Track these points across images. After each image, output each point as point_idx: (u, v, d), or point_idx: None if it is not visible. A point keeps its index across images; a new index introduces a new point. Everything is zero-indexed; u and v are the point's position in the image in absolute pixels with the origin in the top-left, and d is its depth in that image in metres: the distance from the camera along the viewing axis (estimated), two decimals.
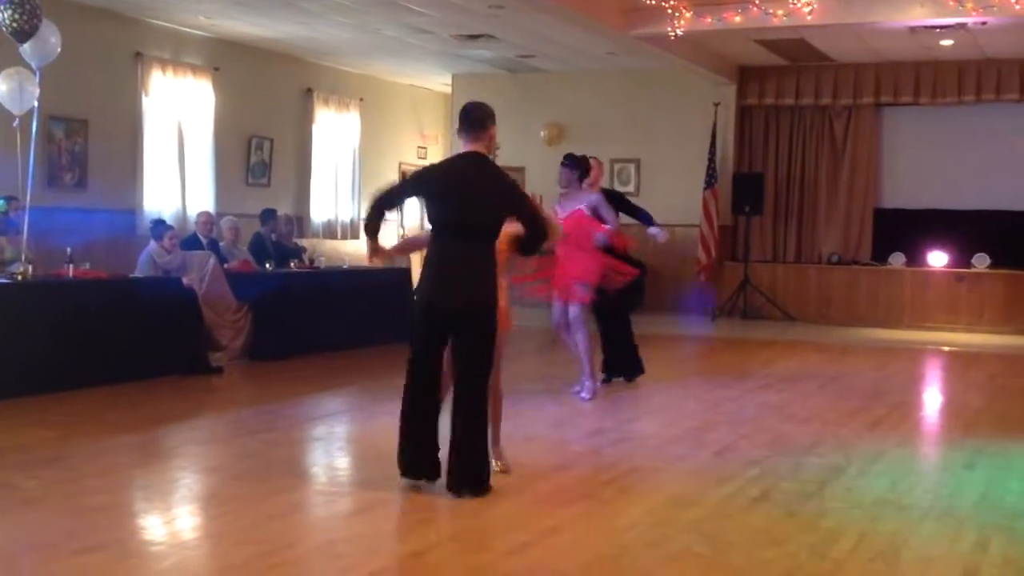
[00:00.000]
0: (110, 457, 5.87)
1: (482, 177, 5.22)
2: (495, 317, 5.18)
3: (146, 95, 12.96)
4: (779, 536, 4.63)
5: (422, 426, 5.20)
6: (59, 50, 8.32)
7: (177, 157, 13.39)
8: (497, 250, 5.26)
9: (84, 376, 7.88)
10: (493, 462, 5.39)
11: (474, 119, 5.33)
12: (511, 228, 5.31)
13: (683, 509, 5.04)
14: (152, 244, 9.85)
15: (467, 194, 5.17)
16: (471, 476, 5.12)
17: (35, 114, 8.49)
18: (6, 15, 7.79)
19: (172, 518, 4.93)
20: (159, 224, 10.34)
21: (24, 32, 7.88)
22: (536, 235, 5.27)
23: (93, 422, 6.85)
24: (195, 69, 13.63)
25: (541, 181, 17.21)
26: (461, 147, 5.37)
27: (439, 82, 17.62)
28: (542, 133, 16.35)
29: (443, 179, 5.31)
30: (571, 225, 7.69)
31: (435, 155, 18.82)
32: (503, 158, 18.44)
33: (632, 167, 16.19)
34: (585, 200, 8.02)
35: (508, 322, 5.47)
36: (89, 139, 12.30)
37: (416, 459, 5.23)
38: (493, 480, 5.20)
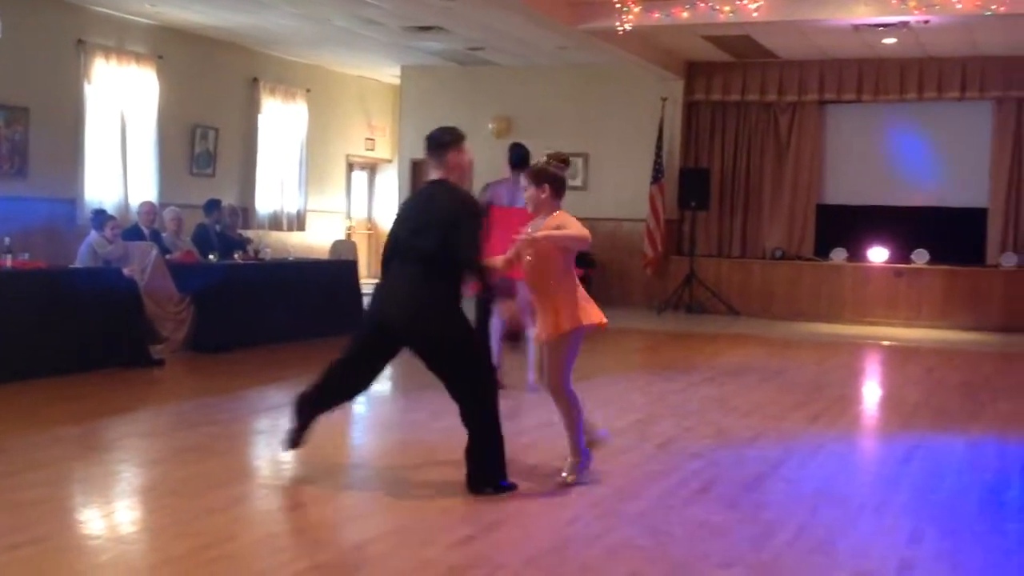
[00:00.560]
0: (47, 450, 5.78)
1: (431, 204, 5.13)
2: (443, 340, 5.05)
3: (89, 83, 12.77)
4: (720, 528, 4.69)
5: (314, 396, 5.34)
6: (0, 36, 8.17)
7: (120, 146, 13.21)
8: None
9: (21, 368, 7.74)
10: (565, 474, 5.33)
11: (434, 144, 5.26)
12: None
13: (626, 502, 5.07)
14: (93, 234, 9.71)
15: (411, 219, 5.16)
16: (473, 481, 5.11)
17: None
18: None
19: (111, 512, 4.86)
20: (100, 214, 10.20)
21: None
22: (460, 263, 5.06)
23: (30, 415, 6.74)
24: (139, 57, 13.45)
25: (489, 174, 17.17)
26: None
27: (388, 73, 17.54)
28: (490, 126, 16.34)
29: (402, 208, 5.38)
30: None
31: (383, 147, 18.76)
32: None
33: (580, 161, 16.23)
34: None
35: (575, 321, 5.25)
36: (30, 127, 12.09)
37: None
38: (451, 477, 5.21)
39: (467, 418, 5.11)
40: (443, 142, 5.25)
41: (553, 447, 6.25)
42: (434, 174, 5.26)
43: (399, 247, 5.18)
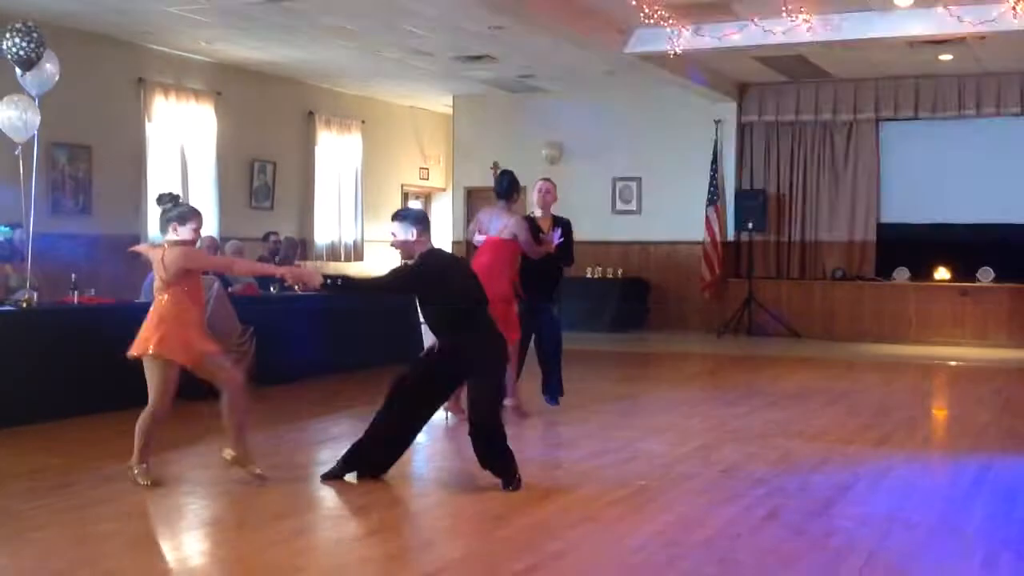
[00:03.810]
0: (117, 484, 5.86)
1: None
2: None
3: (149, 120, 13.02)
4: (788, 555, 4.62)
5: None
6: (57, 78, 8.35)
7: (180, 181, 13.43)
8: None
9: (90, 402, 7.87)
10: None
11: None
12: None
13: (691, 529, 5.02)
14: None
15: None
16: None
17: (35, 141, 8.51)
18: (13, 43, 7.82)
19: (179, 544, 4.92)
20: None
21: (30, 61, 7.91)
22: None
23: (99, 448, 6.84)
24: (197, 94, 13.69)
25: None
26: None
27: (440, 103, 17.68)
28: (544, 152, 16.40)
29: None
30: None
31: (437, 176, 18.88)
32: None
33: (634, 185, 16.23)
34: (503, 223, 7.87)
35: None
36: (93, 165, 12.35)
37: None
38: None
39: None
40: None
41: (616, 473, 6.22)
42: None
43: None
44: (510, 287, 7.84)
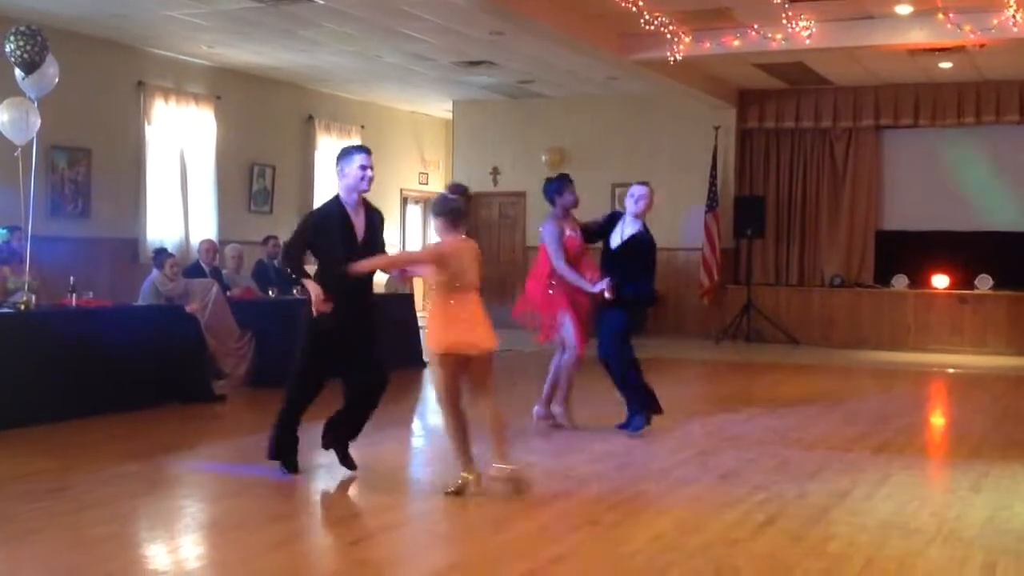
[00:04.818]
0: (113, 487, 5.85)
1: None
2: None
3: (149, 124, 13.02)
4: (786, 562, 4.61)
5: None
6: (57, 80, 8.35)
7: (180, 185, 13.44)
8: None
9: (87, 405, 7.87)
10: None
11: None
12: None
13: (689, 535, 5.01)
14: (155, 272, 9.86)
15: None
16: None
17: (35, 144, 8.51)
18: (16, 45, 7.83)
19: (175, 547, 4.90)
20: (161, 252, 10.36)
21: (33, 64, 7.91)
22: None
23: (96, 451, 6.83)
24: (197, 98, 13.70)
25: (542, 205, 17.26)
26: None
27: (440, 108, 17.69)
28: (544, 157, 16.40)
29: None
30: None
31: (436, 180, 18.88)
32: (506, 182, 18.47)
33: None
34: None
35: None
36: (92, 168, 12.34)
37: None
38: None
39: None
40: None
41: (615, 478, 6.21)
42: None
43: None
44: (549, 291, 7.83)
